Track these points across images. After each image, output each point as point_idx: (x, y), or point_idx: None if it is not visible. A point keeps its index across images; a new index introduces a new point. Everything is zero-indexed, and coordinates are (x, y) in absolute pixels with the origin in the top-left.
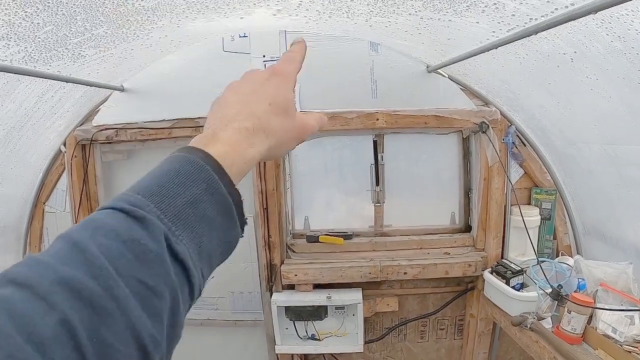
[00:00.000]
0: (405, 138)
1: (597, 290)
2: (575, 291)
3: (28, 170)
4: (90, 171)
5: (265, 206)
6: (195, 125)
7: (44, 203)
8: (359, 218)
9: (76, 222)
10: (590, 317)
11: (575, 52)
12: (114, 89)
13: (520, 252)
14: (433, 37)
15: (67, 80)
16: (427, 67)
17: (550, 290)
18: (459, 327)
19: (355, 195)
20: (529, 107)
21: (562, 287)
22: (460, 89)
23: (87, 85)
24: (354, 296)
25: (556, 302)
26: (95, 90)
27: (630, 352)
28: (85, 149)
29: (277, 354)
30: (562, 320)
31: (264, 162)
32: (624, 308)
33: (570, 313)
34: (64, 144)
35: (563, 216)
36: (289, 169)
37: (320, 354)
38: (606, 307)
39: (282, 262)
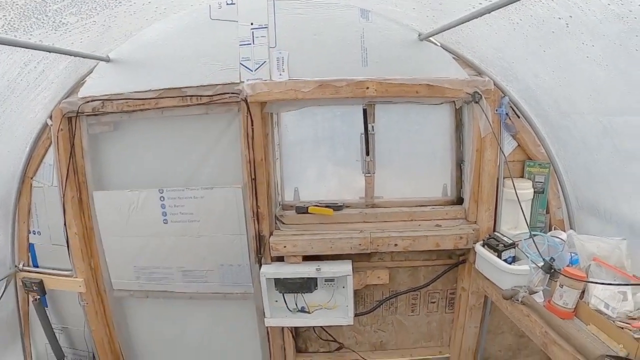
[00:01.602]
0: (397, 109)
1: (590, 265)
2: (567, 266)
3: (14, 144)
4: (77, 144)
5: (253, 176)
6: (182, 94)
7: (32, 178)
8: (350, 190)
9: (63, 196)
10: (583, 292)
11: (570, 16)
12: (100, 59)
13: (513, 226)
14: (424, 1)
15: (49, 50)
16: (419, 35)
17: (542, 263)
18: (450, 301)
19: (346, 166)
20: (523, 77)
21: (554, 261)
22: (453, 58)
23: (70, 55)
24: (344, 268)
25: (548, 275)
26: (80, 61)
27: (623, 328)
28: (72, 122)
29: (266, 327)
30: (554, 294)
31: (252, 131)
32: (617, 282)
33: (562, 287)
34: (50, 117)
35: (556, 190)
36: (278, 139)
37: (311, 327)
38: (599, 282)
39: (271, 234)
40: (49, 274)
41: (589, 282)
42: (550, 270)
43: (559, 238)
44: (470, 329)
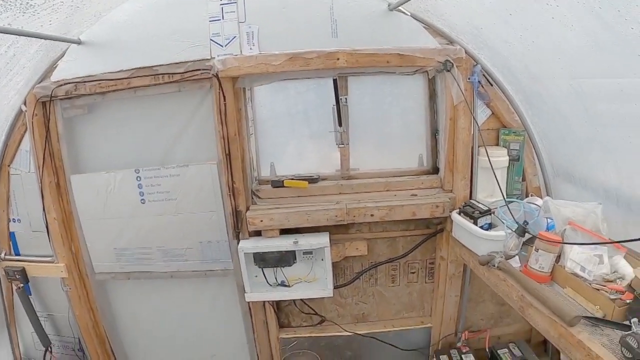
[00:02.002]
0: (370, 80)
1: (565, 230)
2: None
3: None
4: (52, 128)
5: (227, 152)
6: (154, 73)
7: (9, 165)
8: (326, 163)
9: (41, 182)
10: (559, 256)
11: None
12: (70, 41)
13: (489, 194)
14: None
15: (18, 34)
16: (389, 5)
17: (515, 227)
18: (429, 271)
19: (321, 138)
20: (493, 44)
21: (527, 224)
22: (424, 27)
23: (40, 38)
24: (321, 240)
25: (522, 239)
26: (52, 44)
27: (598, 290)
28: (46, 107)
29: (248, 303)
30: (530, 258)
31: (225, 107)
32: (591, 242)
33: (537, 251)
34: (25, 103)
35: (532, 158)
36: (252, 115)
37: (291, 300)
38: (573, 242)
39: (247, 209)
40: (31, 261)
41: (563, 243)
42: (524, 233)
43: (534, 204)
44: (451, 297)
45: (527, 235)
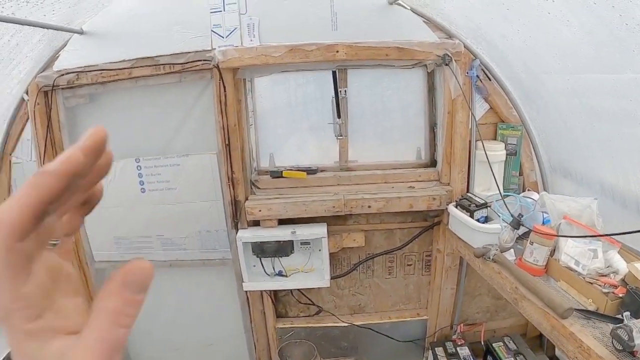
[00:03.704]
0: (370, 73)
1: (560, 224)
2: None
3: None
4: (53, 118)
5: (227, 142)
6: (155, 63)
7: (10, 154)
8: (325, 155)
9: None
10: (554, 250)
11: None
12: (73, 31)
13: (486, 188)
14: None
15: (22, 23)
16: None
17: (510, 220)
18: (426, 263)
19: (320, 130)
20: (492, 38)
21: (522, 217)
22: (424, 21)
23: (44, 27)
24: (319, 230)
25: (516, 231)
26: (54, 33)
27: (592, 283)
28: (48, 96)
29: (246, 293)
30: (525, 252)
31: (225, 97)
32: (585, 235)
33: (532, 244)
34: (27, 92)
35: (530, 153)
36: (252, 106)
37: (289, 290)
38: (567, 235)
39: (246, 199)
40: None
41: (558, 236)
42: (518, 226)
43: (531, 198)
44: (447, 290)
45: (523, 229)
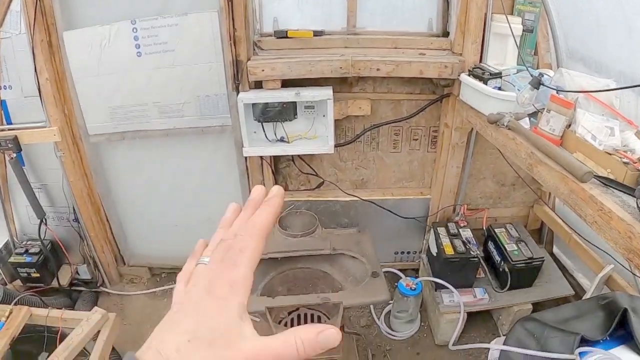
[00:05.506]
0: None
1: (577, 97)
2: None
3: None
4: None
5: None
6: None
7: None
8: (331, 22)
9: (32, 41)
10: (569, 124)
11: None
12: None
13: (500, 62)
14: None
15: None
16: None
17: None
18: (432, 139)
19: None
20: None
21: (542, 76)
22: None
23: None
24: (324, 92)
25: (536, 91)
26: None
27: (610, 154)
28: None
29: (245, 163)
30: (541, 120)
31: None
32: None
33: (549, 112)
34: None
35: (546, 32)
36: None
37: (290, 160)
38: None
39: (248, 59)
40: (23, 128)
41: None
42: (538, 85)
43: (547, 75)
44: (452, 168)
45: (542, 88)
